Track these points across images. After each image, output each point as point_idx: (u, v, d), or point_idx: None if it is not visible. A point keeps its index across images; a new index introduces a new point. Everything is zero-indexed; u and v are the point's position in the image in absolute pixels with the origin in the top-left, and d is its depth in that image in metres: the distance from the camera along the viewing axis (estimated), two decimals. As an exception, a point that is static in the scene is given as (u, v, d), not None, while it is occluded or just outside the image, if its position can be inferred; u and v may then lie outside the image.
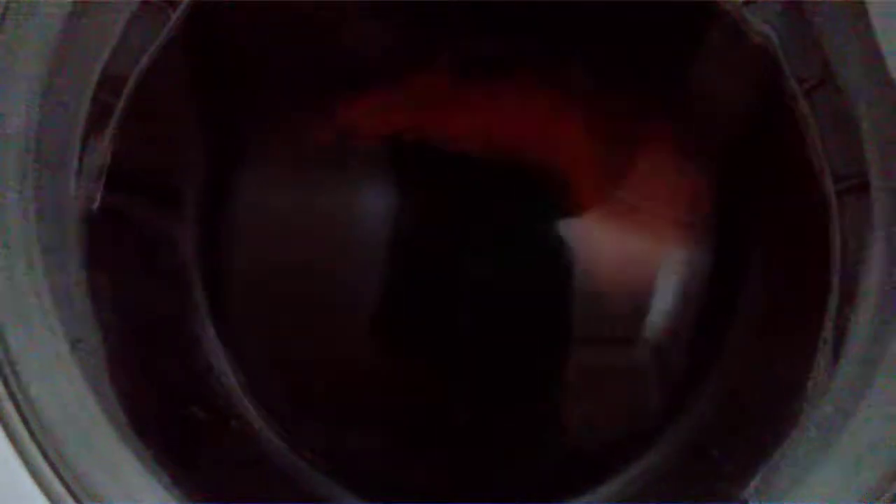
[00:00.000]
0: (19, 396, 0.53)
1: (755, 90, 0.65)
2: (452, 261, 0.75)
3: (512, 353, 0.75)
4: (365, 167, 0.74)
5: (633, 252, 0.73)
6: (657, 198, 0.73)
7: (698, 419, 0.70)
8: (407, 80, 0.73)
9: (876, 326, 0.57)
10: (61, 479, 0.53)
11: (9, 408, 0.52)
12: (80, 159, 0.60)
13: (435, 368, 0.75)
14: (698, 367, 0.71)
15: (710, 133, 0.71)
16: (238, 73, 0.71)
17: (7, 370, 0.53)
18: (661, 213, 0.73)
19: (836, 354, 0.59)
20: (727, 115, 0.70)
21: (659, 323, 0.73)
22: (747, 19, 0.61)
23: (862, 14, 0.53)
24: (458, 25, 0.70)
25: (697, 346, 0.72)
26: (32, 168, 0.55)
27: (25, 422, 0.52)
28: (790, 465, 0.59)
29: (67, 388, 0.56)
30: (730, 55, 0.64)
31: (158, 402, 0.65)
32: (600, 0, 0.67)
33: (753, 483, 0.60)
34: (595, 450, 0.74)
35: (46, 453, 0.53)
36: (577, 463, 0.75)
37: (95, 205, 0.61)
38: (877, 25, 0.53)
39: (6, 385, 0.52)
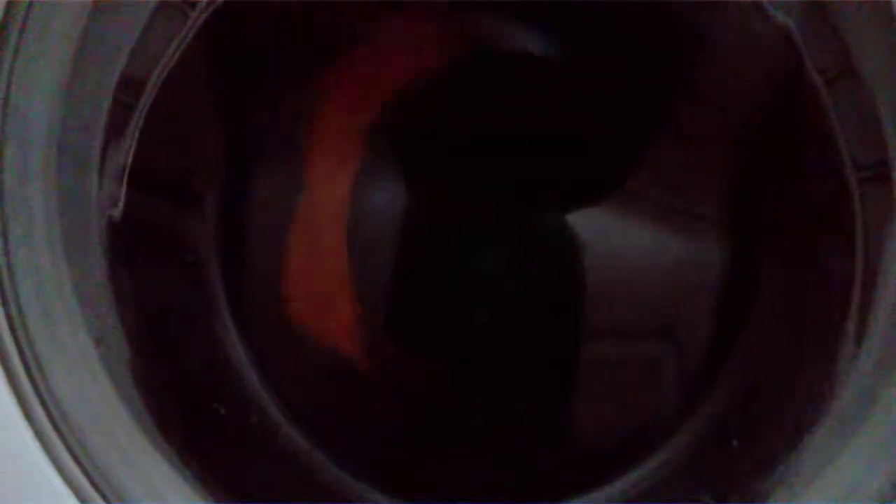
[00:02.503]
0: (45, 394, 0.53)
1: (775, 80, 0.65)
2: (468, 256, 0.75)
3: (527, 349, 0.75)
4: (384, 165, 0.74)
5: (650, 243, 0.73)
6: (676, 188, 0.73)
7: (719, 411, 0.70)
8: (426, 76, 0.73)
9: (897, 317, 0.57)
10: (87, 475, 0.53)
11: (35, 405, 0.52)
12: (102, 159, 0.60)
13: (451, 364, 0.75)
14: (719, 358, 0.71)
15: (730, 123, 0.71)
16: (257, 72, 0.71)
17: (33, 368, 0.53)
18: (679, 203, 0.73)
19: (858, 345, 0.59)
20: (747, 106, 0.70)
21: (678, 314, 0.73)
22: (767, 9, 0.61)
23: (883, 3, 0.53)
24: (478, 19, 0.70)
25: (718, 336, 0.72)
26: (56, 168, 0.56)
27: (51, 419, 0.53)
28: (811, 457, 0.59)
29: (92, 385, 0.57)
30: (750, 46, 0.64)
31: (180, 399, 0.66)
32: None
33: (775, 475, 0.60)
34: (613, 444, 0.74)
35: (72, 450, 0.53)
36: (596, 457, 0.75)
37: (117, 204, 0.61)
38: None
39: (32, 383, 0.53)
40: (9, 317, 0.53)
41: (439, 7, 0.70)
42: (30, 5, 0.52)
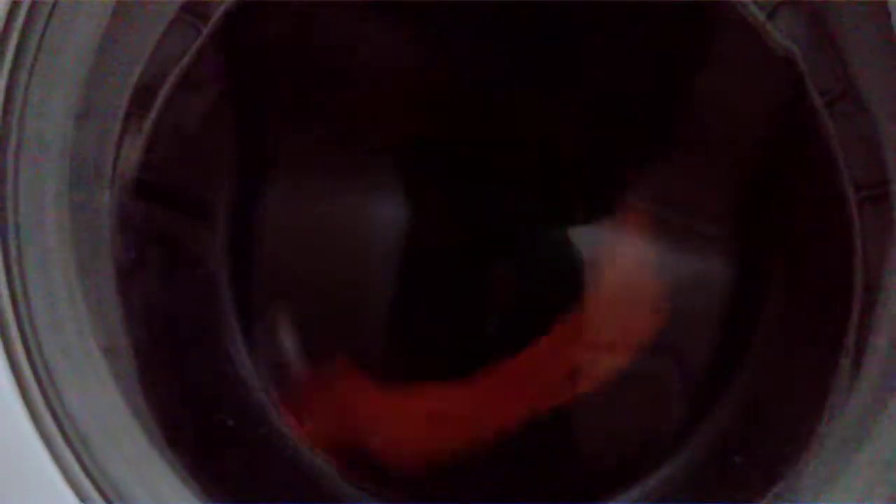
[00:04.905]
0: (55, 402, 0.53)
1: (777, 102, 0.65)
2: (473, 270, 0.75)
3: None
4: (394, 177, 0.75)
5: (654, 261, 0.74)
6: (679, 207, 0.74)
7: (721, 427, 0.70)
8: (439, 88, 0.73)
9: (897, 335, 0.57)
10: (95, 483, 0.54)
11: (45, 414, 0.53)
12: (113, 170, 0.61)
13: (456, 377, 0.75)
14: (721, 376, 0.71)
15: (731, 143, 0.71)
16: (267, 85, 0.72)
17: (43, 376, 0.53)
18: (682, 221, 0.74)
19: (858, 363, 0.59)
20: (748, 126, 0.70)
21: (682, 332, 0.73)
22: (770, 31, 0.61)
23: (885, 24, 0.53)
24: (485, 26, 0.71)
25: (720, 354, 0.72)
26: (69, 178, 0.57)
27: (60, 427, 0.53)
28: (814, 475, 0.59)
29: (101, 394, 0.57)
30: (752, 67, 0.65)
31: (188, 410, 0.66)
32: (617, 9, 0.67)
33: (777, 492, 0.60)
34: (615, 460, 0.75)
35: (79, 456, 0.53)
36: (598, 472, 0.75)
37: (127, 215, 0.62)
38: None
39: (42, 391, 0.53)
40: (20, 325, 0.53)
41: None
42: (46, 24, 0.53)
